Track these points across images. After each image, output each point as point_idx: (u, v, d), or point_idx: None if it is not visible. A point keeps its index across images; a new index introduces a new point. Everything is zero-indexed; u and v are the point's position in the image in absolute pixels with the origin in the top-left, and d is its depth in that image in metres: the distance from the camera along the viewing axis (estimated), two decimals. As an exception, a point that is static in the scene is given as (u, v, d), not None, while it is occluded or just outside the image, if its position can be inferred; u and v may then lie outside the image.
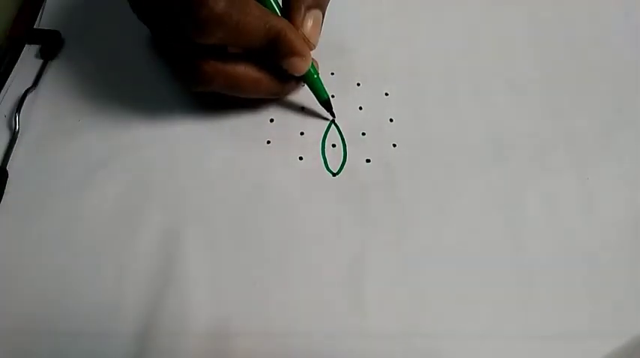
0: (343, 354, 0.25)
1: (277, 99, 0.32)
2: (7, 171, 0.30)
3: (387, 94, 0.33)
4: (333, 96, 0.33)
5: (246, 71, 0.28)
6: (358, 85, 0.34)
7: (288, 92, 0.32)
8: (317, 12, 0.29)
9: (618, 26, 0.36)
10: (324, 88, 0.31)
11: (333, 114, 0.32)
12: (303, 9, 0.28)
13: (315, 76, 0.30)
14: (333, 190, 0.30)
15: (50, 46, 0.34)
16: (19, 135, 0.31)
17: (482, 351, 0.25)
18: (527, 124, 0.32)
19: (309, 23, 0.29)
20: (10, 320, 0.26)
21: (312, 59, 0.30)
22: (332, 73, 0.34)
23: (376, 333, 0.26)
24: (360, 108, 0.33)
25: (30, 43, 0.35)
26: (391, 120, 0.32)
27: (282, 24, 0.27)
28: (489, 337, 0.26)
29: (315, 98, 0.31)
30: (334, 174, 0.30)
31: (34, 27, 0.35)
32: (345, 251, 0.28)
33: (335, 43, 0.35)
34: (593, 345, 0.26)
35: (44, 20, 0.36)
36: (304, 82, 0.31)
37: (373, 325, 0.26)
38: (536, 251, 0.28)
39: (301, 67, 0.29)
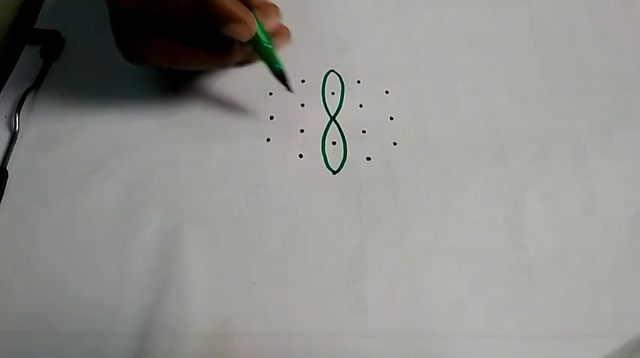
0: (343, 354, 0.25)
1: (224, 70, 0.31)
2: (7, 171, 0.30)
3: (387, 92, 0.33)
4: (333, 94, 0.33)
5: (183, 44, 0.26)
6: (358, 82, 0.34)
7: (236, 61, 0.29)
8: None
9: (618, 26, 0.36)
10: (276, 58, 0.29)
11: (289, 88, 0.30)
12: None
13: (265, 45, 0.27)
14: (333, 188, 0.30)
15: (50, 46, 0.34)
16: (19, 135, 0.31)
17: (482, 351, 0.25)
18: (527, 124, 0.32)
19: None
20: (10, 320, 0.26)
21: (283, 27, 0.28)
22: (332, 71, 0.34)
23: (376, 333, 0.26)
24: (361, 105, 0.33)
25: (30, 43, 0.35)
26: (391, 118, 0.32)
27: None
28: (489, 337, 0.26)
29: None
30: (334, 172, 0.30)
31: (34, 27, 0.35)
32: (345, 250, 0.28)
33: (335, 41, 0.35)
34: (593, 345, 0.26)
35: (44, 20, 0.36)
36: (255, 51, 0.28)
37: (373, 325, 0.26)
38: (536, 251, 0.28)
39: (243, 32, 0.26)
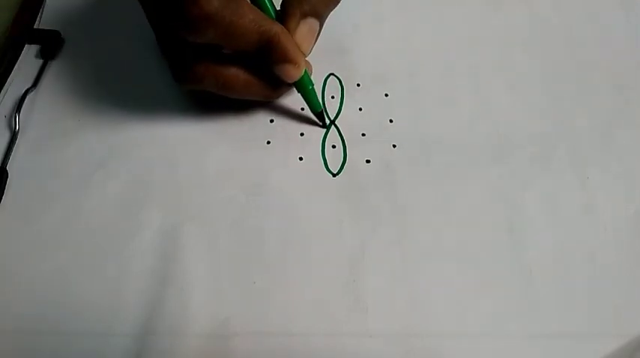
0: (343, 354, 0.25)
1: (270, 101, 0.32)
2: (7, 171, 0.30)
3: (386, 95, 0.33)
4: (333, 97, 0.33)
5: (237, 73, 0.28)
6: (358, 85, 0.34)
7: (280, 96, 0.32)
8: (313, 20, 0.29)
9: (618, 26, 0.36)
10: (317, 100, 0.31)
11: (325, 125, 0.32)
12: (298, 15, 0.28)
13: (310, 87, 0.30)
14: (333, 191, 0.30)
15: (50, 46, 0.34)
16: (19, 135, 0.31)
17: (482, 351, 0.25)
18: (528, 124, 0.32)
19: (303, 30, 0.28)
20: (10, 320, 0.26)
21: (307, 64, 0.30)
22: (332, 74, 0.34)
23: (376, 333, 0.26)
24: (360, 109, 0.33)
25: (30, 43, 0.35)
26: (391, 120, 0.32)
27: (277, 29, 0.27)
28: (489, 337, 0.26)
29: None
30: (334, 175, 0.30)
31: (34, 27, 0.35)
32: (345, 251, 0.28)
33: (335, 44, 0.35)
34: (593, 345, 0.26)
35: (44, 20, 0.36)
36: (298, 91, 0.30)
37: (373, 325, 0.26)
38: (537, 251, 0.28)
39: (293, 74, 0.28)
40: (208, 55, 0.28)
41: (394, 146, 0.31)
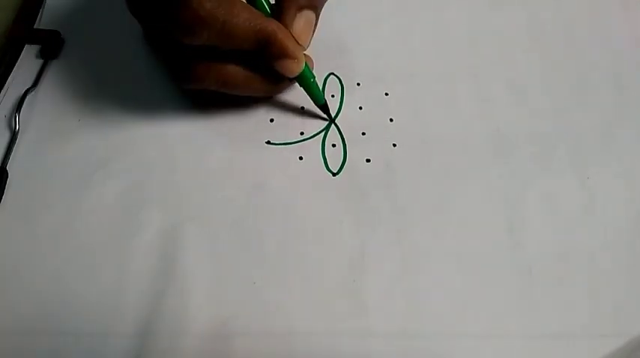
0: (343, 354, 0.25)
1: (271, 97, 0.32)
2: (7, 171, 0.30)
3: (387, 94, 0.33)
4: (333, 96, 0.33)
5: (237, 70, 0.28)
6: (358, 84, 0.34)
7: (282, 91, 0.32)
8: (309, 12, 0.28)
9: (618, 26, 0.36)
10: (320, 92, 0.31)
11: (330, 117, 0.32)
12: (293, 9, 0.28)
13: (312, 80, 0.30)
14: (333, 190, 0.30)
15: (50, 46, 0.34)
16: (19, 135, 0.31)
17: (482, 351, 0.25)
18: (528, 124, 0.32)
19: (300, 23, 0.28)
20: (10, 320, 0.26)
21: (308, 58, 0.30)
22: (332, 73, 0.34)
23: (376, 333, 0.26)
24: (360, 108, 0.33)
25: (30, 43, 0.35)
26: (391, 120, 0.32)
27: (273, 26, 0.27)
28: (489, 337, 0.26)
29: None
30: (334, 174, 0.30)
31: (34, 27, 0.35)
32: (345, 251, 0.28)
33: (335, 43, 0.35)
34: (593, 345, 0.26)
35: (44, 20, 0.36)
36: (300, 85, 0.31)
37: (373, 325, 0.26)
38: (536, 251, 0.28)
39: (293, 69, 0.28)
40: (207, 53, 0.28)
41: (394, 145, 0.31)
